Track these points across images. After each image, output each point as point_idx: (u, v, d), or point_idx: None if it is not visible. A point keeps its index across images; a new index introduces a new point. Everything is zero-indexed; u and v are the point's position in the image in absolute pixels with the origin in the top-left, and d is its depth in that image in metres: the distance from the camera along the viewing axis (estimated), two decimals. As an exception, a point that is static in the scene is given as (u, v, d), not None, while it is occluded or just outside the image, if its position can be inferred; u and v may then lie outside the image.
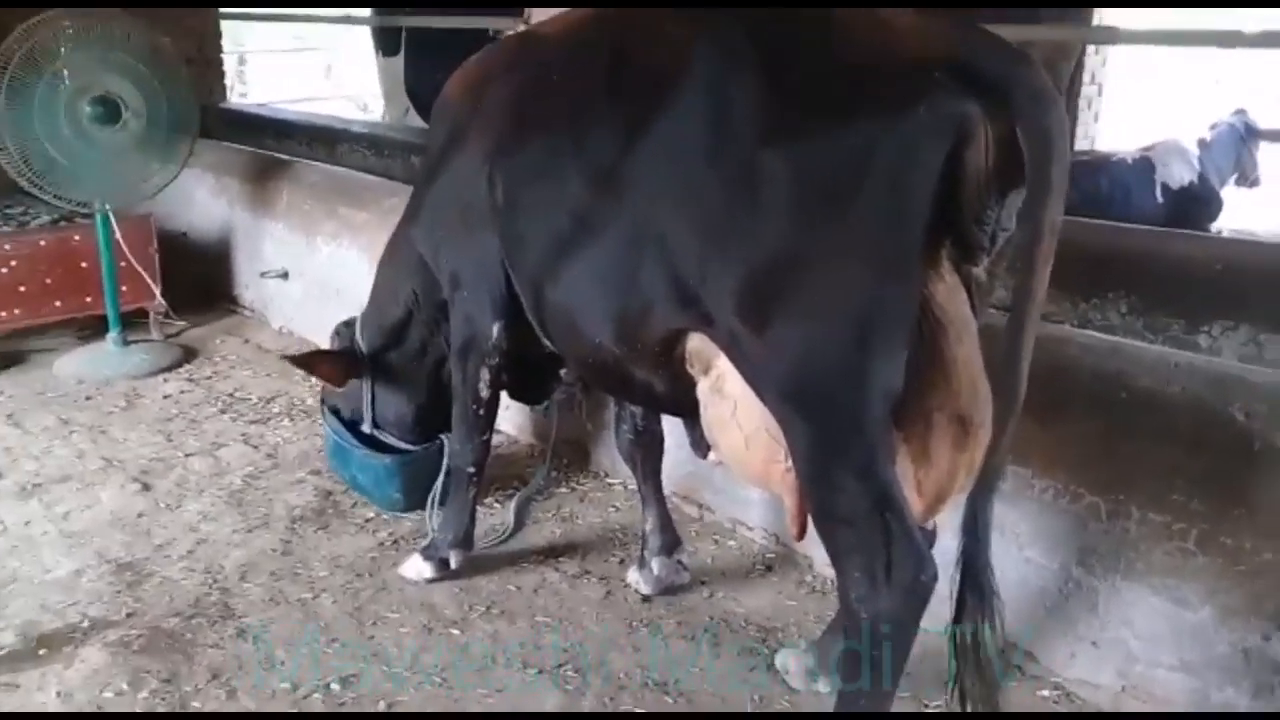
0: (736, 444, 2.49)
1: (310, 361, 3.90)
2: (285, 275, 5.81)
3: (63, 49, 4.95)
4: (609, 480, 4.13)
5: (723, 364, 2.44)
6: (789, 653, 2.97)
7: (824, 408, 2.20)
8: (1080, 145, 7.32)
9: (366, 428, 3.91)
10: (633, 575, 3.42)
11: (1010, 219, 2.17)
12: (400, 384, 3.82)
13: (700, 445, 3.16)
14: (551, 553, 3.63)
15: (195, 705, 2.83)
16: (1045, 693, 2.87)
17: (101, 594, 3.33)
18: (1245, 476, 2.58)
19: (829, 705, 2.65)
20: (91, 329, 5.68)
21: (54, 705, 2.84)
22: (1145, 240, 4.43)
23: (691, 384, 2.59)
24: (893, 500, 2.18)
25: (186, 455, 4.36)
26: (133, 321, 5.63)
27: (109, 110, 5.05)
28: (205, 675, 2.96)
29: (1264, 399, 2.63)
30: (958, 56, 2.03)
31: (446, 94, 3.30)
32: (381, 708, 2.85)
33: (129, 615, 3.22)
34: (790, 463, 2.38)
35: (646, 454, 3.44)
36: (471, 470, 3.40)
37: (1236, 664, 2.53)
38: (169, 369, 5.38)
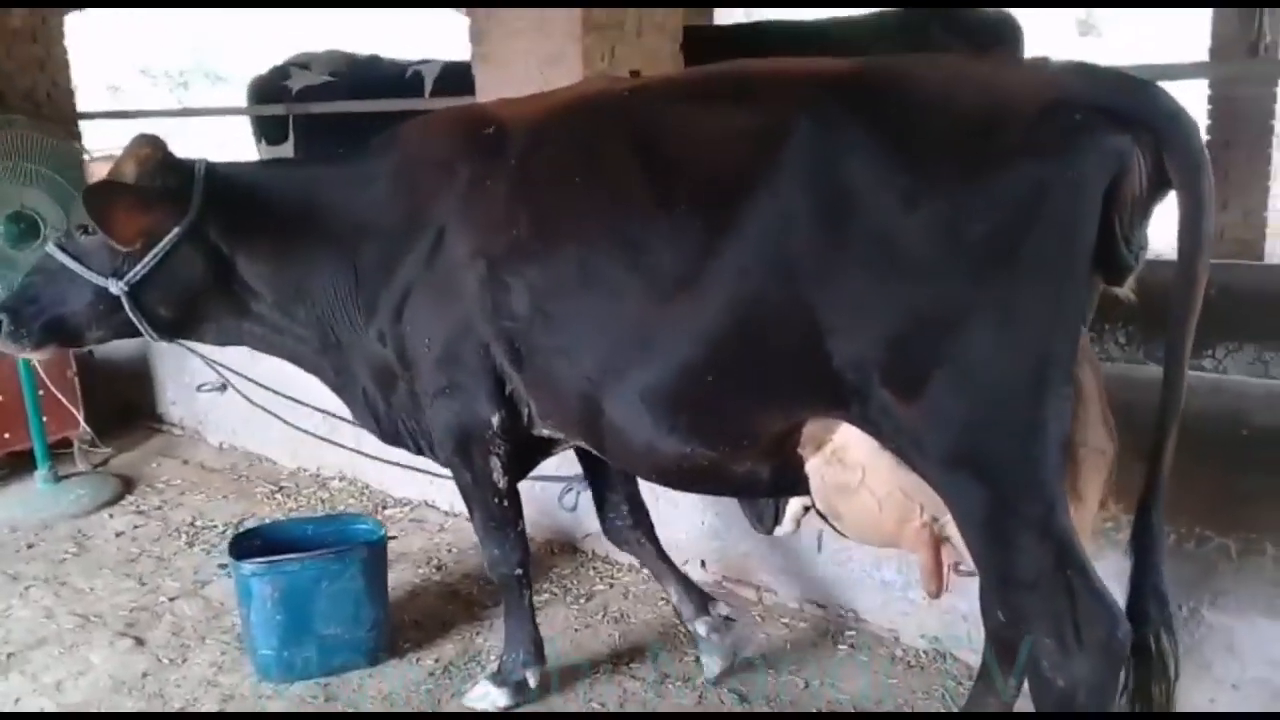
0: (868, 508, 2.43)
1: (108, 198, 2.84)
2: (224, 388, 5.40)
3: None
4: (644, 572, 3.93)
5: (841, 437, 2.37)
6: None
7: (1000, 466, 2.12)
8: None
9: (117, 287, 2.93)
10: (702, 661, 3.25)
11: (1147, 239, 2.16)
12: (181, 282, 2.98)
13: (764, 520, 3.03)
14: (618, 659, 3.40)
15: None
16: (1187, 741, 2.83)
17: (137, 775, 2.95)
18: None
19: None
20: (7, 469, 5.17)
21: None
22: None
23: (798, 465, 2.48)
24: (1075, 554, 2.12)
25: (170, 599, 3.95)
26: (54, 454, 5.12)
27: (28, 227, 4.62)
28: None
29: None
30: (1091, 95, 2.04)
31: (402, 165, 2.93)
32: None
33: (180, 796, 2.86)
34: (925, 518, 2.35)
35: (644, 532, 3.35)
36: (519, 572, 3.12)
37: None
38: (111, 503, 4.93)
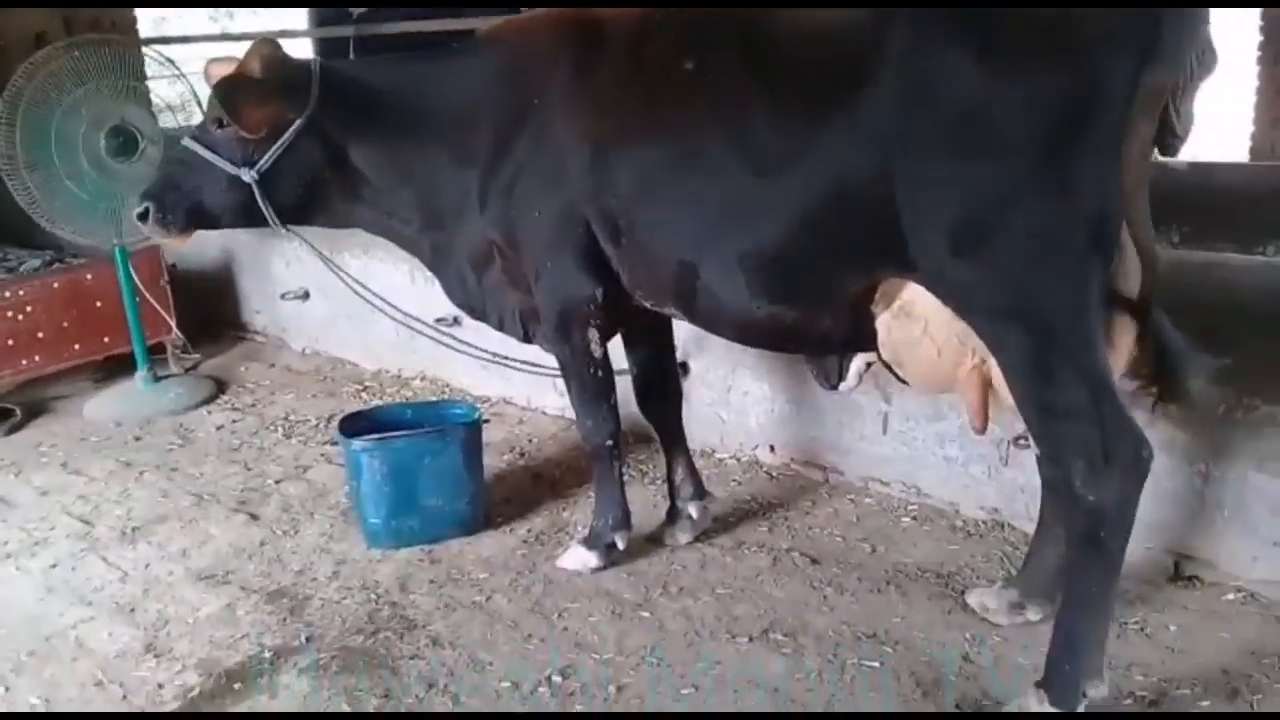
0: (929, 356, 2.71)
1: (239, 91, 3.13)
2: (306, 296, 5.69)
3: (72, 83, 4.76)
4: (719, 456, 4.19)
5: (908, 294, 2.63)
6: (983, 592, 3.08)
7: (1047, 318, 2.37)
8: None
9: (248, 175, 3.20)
10: (672, 530, 3.58)
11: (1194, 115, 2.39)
12: (302, 170, 3.25)
13: (830, 378, 3.25)
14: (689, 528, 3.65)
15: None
16: (1229, 596, 3.06)
17: (267, 624, 3.26)
18: None
19: (1040, 634, 2.80)
20: (104, 371, 5.49)
21: (277, 735, 2.78)
22: (1187, 174, 4.70)
23: (869, 321, 2.75)
24: (1108, 388, 2.38)
25: (276, 482, 4.26)
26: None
27: (126, 141, 4.89)
28: (420, 686, 2.93)
29: None
30: None
31: (507, 58, 3.15)
32: (611, 692, 2.86)
33: (309, 640, 3.16)
34: (975, 361, 2.63)
35: (672, 410, 3.59)
36: (610, 443, 3.37)
37: None
38: (207, 401, 5.24)
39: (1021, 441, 3.31)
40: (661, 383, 3.57)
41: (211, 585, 3.50)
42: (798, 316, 2.80)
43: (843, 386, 3.12)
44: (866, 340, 2.79)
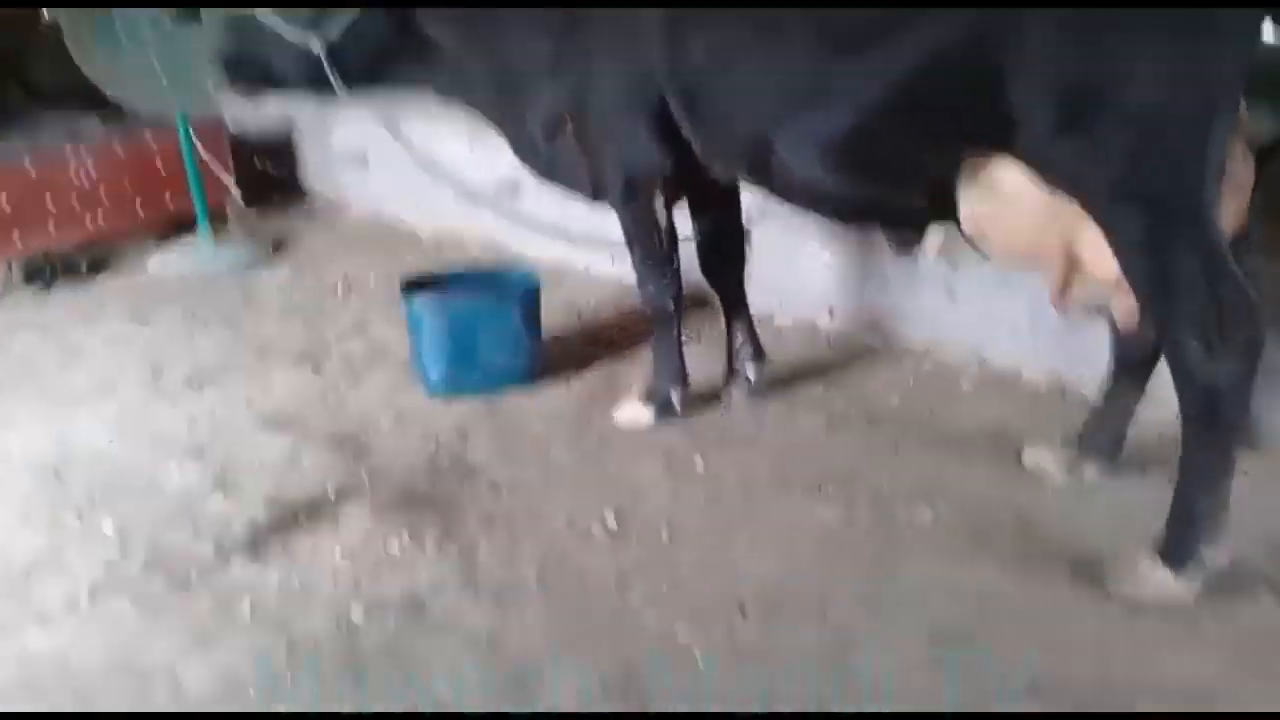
0: (1016, 230, 2.64)
1: None
2: (365, 161, 5.69)
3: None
4: (775, 322, 4.17)
5: (998, 169, 2.54)
6: (1039, 450, 3.08)
7: (1161, 195, 2.31)
8: None
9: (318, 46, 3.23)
10: (729, 389, 3.60)
11: None
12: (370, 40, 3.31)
13: (905, 245, 3.21)
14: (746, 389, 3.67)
15: (492, 552, 2.88)
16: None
17: (331, 466, 3.33)
18: None
19: (1096, 494, 2.81)
20: (169, 231, 5.55)
21: (341, 566, 2.86)
22: None
23: (951, 195, 2.66)
24: (1225, 263, 2.31)
25: (336, 337, 4.32)
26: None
27: (190, 8, 4.85)
28: (480, 523, 3.01)
29: None
30: None
31: None
32: (664, 530, 2.93)
33: (372, 481, 3.24)
34: (1064, 237, 2.56)
35: (731, 267, 3.56)
36: (671, 305, 3.39)
37: None
38: (267, 261, 5.29)
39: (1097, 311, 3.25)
40: (727, 248, 3.55)
41: (276, 430, 3.58)
42: (878, 194, 2.77)
43: (918, 254, 3.06)
44: (949, 214, 2.72)
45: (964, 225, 2.74)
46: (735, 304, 3.59)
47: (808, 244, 3.99)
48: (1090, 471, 2.96)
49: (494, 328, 3.70)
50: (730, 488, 3.11)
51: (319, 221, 5.89)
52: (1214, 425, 2.38)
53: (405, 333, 3.81)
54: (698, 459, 3.27)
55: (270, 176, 6.19)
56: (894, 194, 2.77)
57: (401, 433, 3.52)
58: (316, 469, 3.33)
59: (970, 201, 2.66)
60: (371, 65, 3.32)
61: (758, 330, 3.62)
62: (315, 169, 6.12)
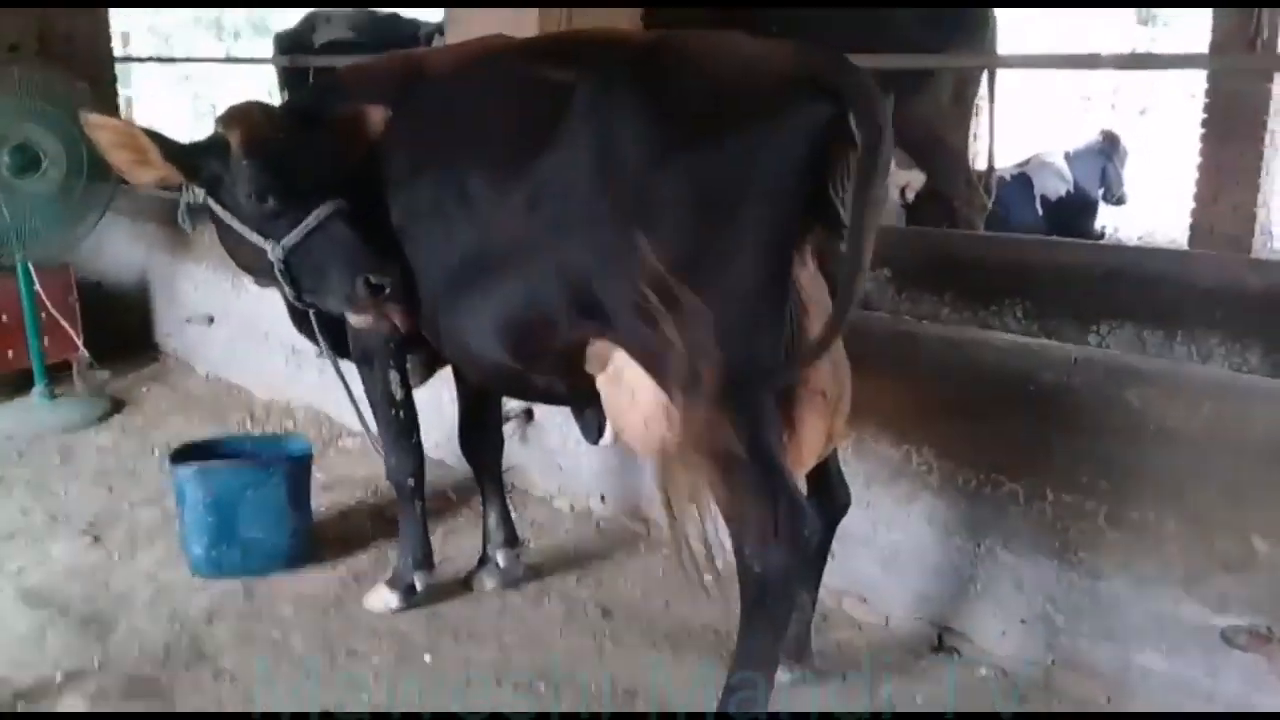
0: (637, 424, 2.74)
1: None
2: (210, 320, 5.85)
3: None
4: (555, 503, 4.30)
5: (619, 358, 2.69)
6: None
7: (717, 395, 2.43)
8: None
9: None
10: (480, 575, 3.68)
11: None
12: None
13: (591, 432, 3.36)
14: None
15: (184, 746, 2.92)
16: (982, 671, 3.15)
17: (70, 646, 3.38)
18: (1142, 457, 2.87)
19: (792, 693, 2.90)
20: (9, 385, 5.64)
21: (41, 757, 2.90)
22: (1034, 250, 4.81)
23: (590, 381, 2.82)
24: (778, 467, 2.48)
25: (132, 506, 4.39)
26: (55, 375, 5.59)
27: (28, 159, 5.07)
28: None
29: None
30: (810, 71, 2.39)
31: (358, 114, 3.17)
32: (370, 729, 2.98)
33: (101, 666, 3.28)
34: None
35: (489, 450, 3.71)
36: (411, 482, 3.48)
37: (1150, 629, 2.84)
38: (99, 421, 5.38)
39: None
40: (482, 424, 3.69)
41: (32, 605, 3.62)
42: (519, 369, 2.91)
43: (602, 441, 3.22)
44: (597, 398, 2.85)
45: (607, 415, 2.89)
46: (490, 484, 3.71)
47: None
48: (783, 673, 3.05)
49: (255, 502, 3.74)
50: (448, 683, 3.18)
51: (166, 380, 6.02)
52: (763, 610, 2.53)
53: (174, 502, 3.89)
54: (429, 650, 3.34)
55: (127, 332, 6.33)
56: (533, 370, 2.90)
57: (151, 614, 3.57)
58: (55, 649, 3.37)
59: (603, 390, 2.79)
60: None
61: (536, 513, 3.73)
62: (167, 326, 6.27)
